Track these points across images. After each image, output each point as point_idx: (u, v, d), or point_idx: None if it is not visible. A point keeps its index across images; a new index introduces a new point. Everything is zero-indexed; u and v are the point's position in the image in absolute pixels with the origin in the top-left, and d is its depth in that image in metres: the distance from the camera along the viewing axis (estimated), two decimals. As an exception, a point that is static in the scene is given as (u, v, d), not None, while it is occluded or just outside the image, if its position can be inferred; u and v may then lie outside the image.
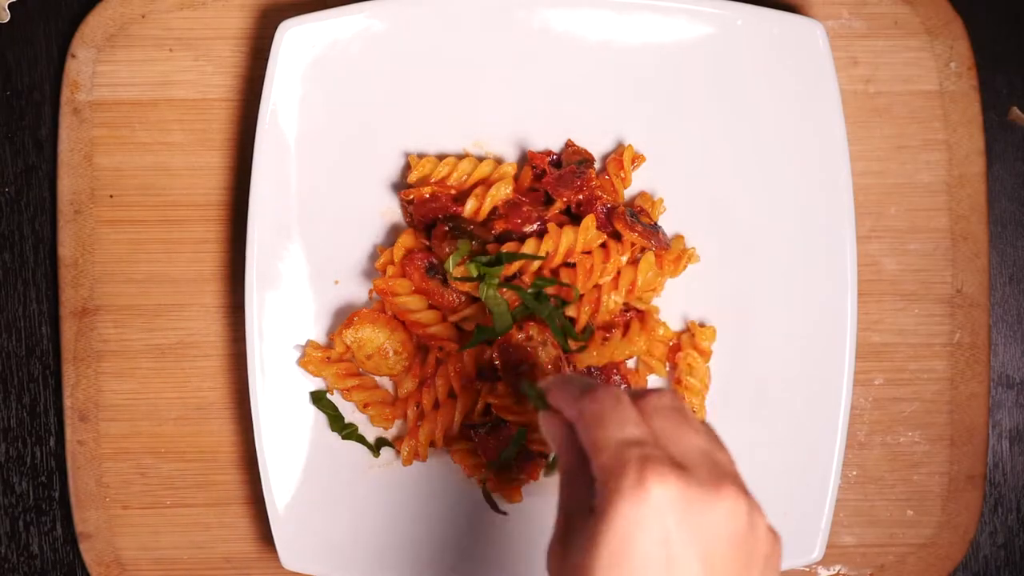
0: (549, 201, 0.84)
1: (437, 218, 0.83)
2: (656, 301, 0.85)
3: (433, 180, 0.84)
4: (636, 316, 0.84)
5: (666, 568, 0.55)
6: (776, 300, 0.85)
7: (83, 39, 0.87)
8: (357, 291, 0.85)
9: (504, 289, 0.81)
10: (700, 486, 0.57)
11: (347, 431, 0.84)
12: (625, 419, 0.59)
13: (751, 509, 0.58)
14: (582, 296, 0.82)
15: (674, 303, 0.85)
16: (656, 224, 0.84)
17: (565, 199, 0.83)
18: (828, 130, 0.84)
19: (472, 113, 0.85)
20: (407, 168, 0.85)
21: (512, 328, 0.81)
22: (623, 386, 0.67)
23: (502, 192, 0.83)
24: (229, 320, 0.87)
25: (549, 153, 0.85)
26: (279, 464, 0.83)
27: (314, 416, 0.84)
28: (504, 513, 0.84)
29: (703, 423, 0.62)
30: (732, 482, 0.58)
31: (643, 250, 0.83)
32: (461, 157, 0.85)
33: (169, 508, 0.88)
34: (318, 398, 0.84)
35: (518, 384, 0.81)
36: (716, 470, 0.58)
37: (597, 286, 0.82)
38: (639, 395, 0.62)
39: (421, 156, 0.85)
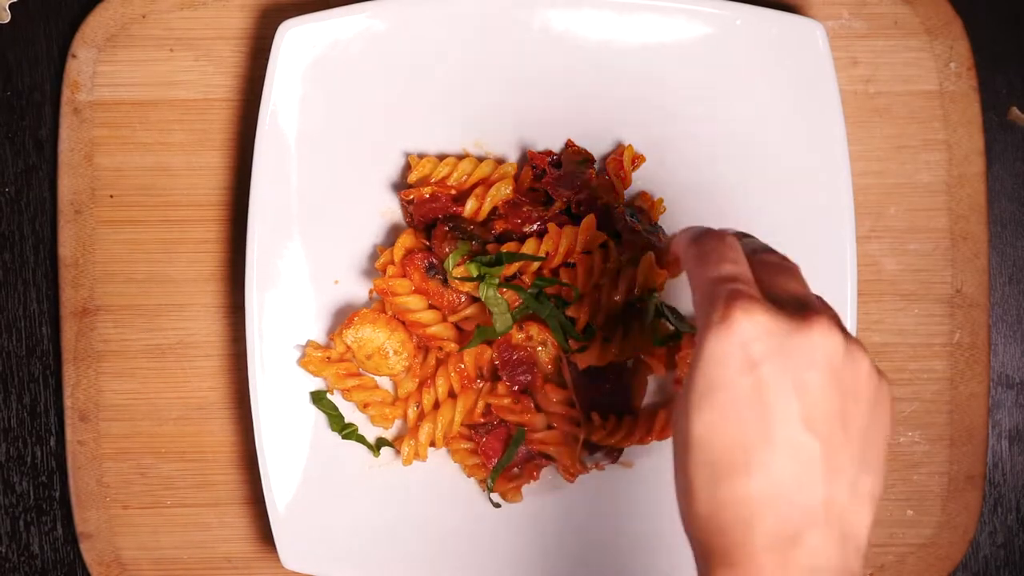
0: (549, 201, 0.84)
1: (437, 218, 0.83)
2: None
3: (433, 180, 0.84)
4: (636, 316, 0.84)
5: (758, 397, 0.55)
6: (776, 300, 0.85)
7: (84, 39, 0.87)
8: (357, 291, 0.85)
9: (504, 289, 0.81)
10: (789, 318, 0.56)
11: (347, 431, 0.84)
12: (723, 257, 0.60)
13: (849, 344, 0.57)
14: (582, 296, 0.82)
15: (674, 303, 0.85)
16: (656, 224, 0.84)
17: (565, 199, 0.83)
18: (828, 130, 0.84)
19: (472, 113, 0.85)
20: (407, 168, 0.85)
21: (512, 328, 0.81)
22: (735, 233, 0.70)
23: (502, 192, 0.83)
24: (229, 320, 0.87)
25: (549, 153, 0.85)
26: (279, 464, 0.83)
27: (314, 416, 0.84)
28: (497, 505, 0.84)
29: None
30: (825, 315, 0.57)
31: (643, 250, 0.83)
32: (461, 157, 0.85)
33: (169, 508, 0.88)
34: (318, 398, 0.84)
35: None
36: (809, 307, 0.58)
37: (597, 286, 0.82)
38: (752, 247, 0.63)
39: (421, 156, 0.85)
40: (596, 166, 0.85)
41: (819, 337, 0.56)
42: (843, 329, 0.58)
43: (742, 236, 0.66)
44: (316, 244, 0.84)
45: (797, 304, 0.58)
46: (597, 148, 0.85)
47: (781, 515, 0.55)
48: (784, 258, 0.63)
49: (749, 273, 0.60)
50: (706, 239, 0.62)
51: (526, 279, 0.82)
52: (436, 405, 0.84)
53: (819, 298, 0.61)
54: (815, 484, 0.55)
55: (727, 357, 0.56)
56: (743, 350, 0.56)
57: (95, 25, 0.87)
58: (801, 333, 0.56)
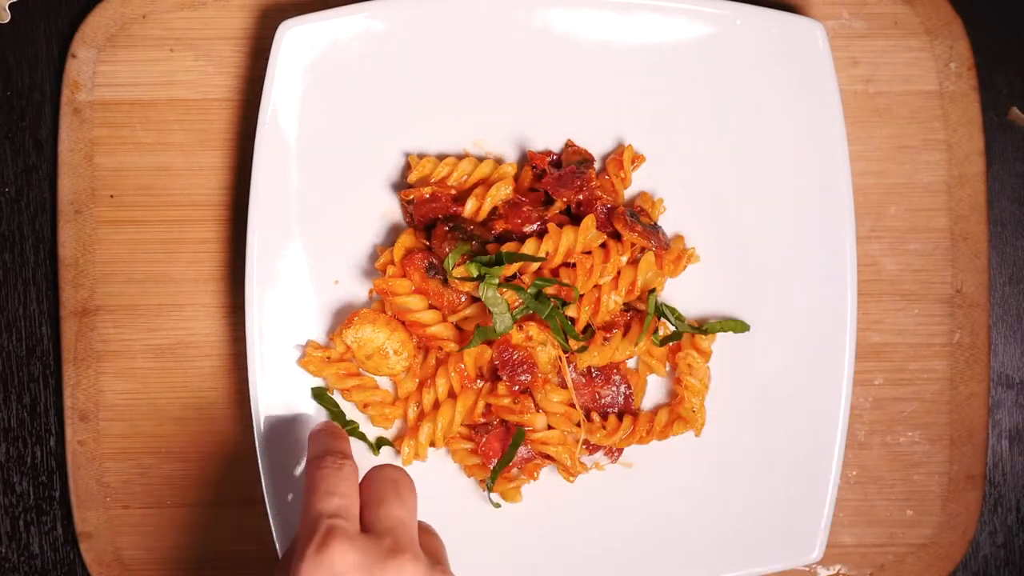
0: (549, 201, 0.84)
1: (437, 218, 0.83)
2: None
3: (433, 180, 0.84)
4: (636, 316, 0.84)
5: None
6: (776, 300, 0.85)
7: (84, 39, 0.87)
8: (357, 291, 0.85)
9: (504, 289, 0.81)
10: (376, 553, 0.66)
11: (348, 428, 0.84)
12: (332, 491, 0.70)
13: (432, 573, 0.68)
14: (582, 296, 0.82)
15: (674, 303, 0.85)
16: (656, 224, 0.84)
17: (565, 199, 0.83)
18: (828, 130, 0.84)
19: (472, 113, 0.85)
20: (407, 168, 0.85)
21: (512, 328, 0.81)
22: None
23: (502, 192, 0.83)
24: (229, 320, 0.87)
25: (549, 153, 0.85)
26: (279, 464, 0.83)
27: (314, 416, 0.84)
28: (497, 505, 0.84)
29: (412, 497, 0.73)
30: (408, 552, 0.67)
31: (643, 250, 0.83)
32: (461, 157, 0.85)
33: (169, 508, 0.88)
34: (319, 394, 0.84)
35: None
36: (403, 539, 0.68)
37: (597, 286, 0.82)
38: (375, 468, 0.73)
39: (421, 156, 0.85)
40: (596, 166, 0.85)
41: (404, 570, 0.67)
42: (425, 561, 0.68)
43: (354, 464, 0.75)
44: (316, 244, 0.84)
45: (395, 534, 0.68)
46: (597, 148, 0.85)
47: None
48: (397, 472, 0.73)
49: (355, 506, 0.70)
50: (324, 467, 0.72)
51: (526, 279, 0.82)
52: (436, 405, 0.84)
53: (415, 514, 0.72)
54: None
55: None
56: None
57: (95, 25, 0.87)
58: (387, 568, 0.66)
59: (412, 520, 0.71)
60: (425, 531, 0.74)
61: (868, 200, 0.88)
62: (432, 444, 0.84)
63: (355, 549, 0.66)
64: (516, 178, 0.85)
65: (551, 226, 0.82)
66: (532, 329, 0.82)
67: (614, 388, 0.84)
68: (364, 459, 0.85)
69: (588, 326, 0.83)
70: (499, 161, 0.85)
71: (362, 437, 0.85)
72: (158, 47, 0.87)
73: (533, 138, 0.85)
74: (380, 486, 0.72)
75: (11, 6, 0.88)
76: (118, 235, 0.87)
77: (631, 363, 0.85)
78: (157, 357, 0.87)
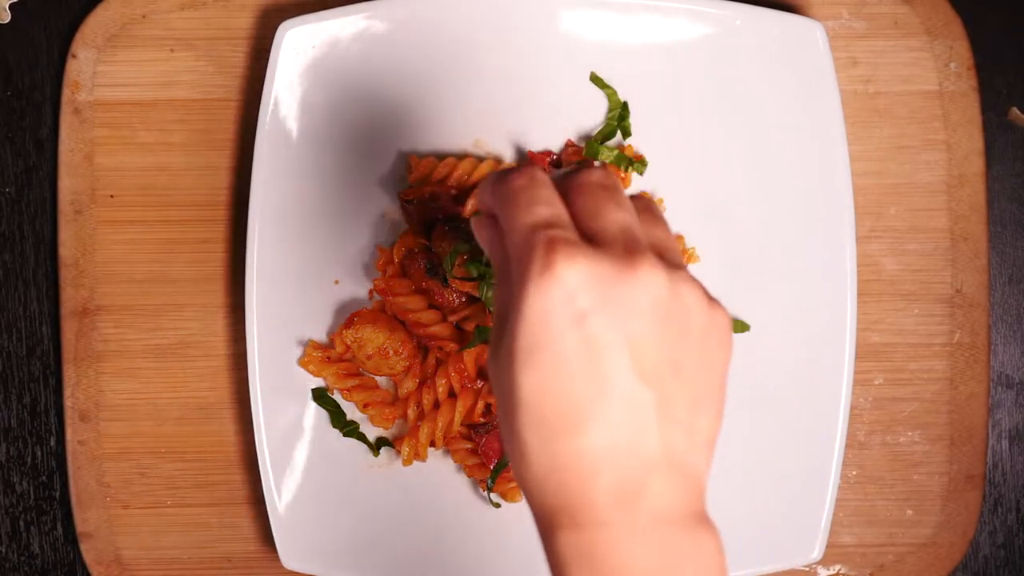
0: (549, 201, 0.84)
1: (437, 218, 0.83)
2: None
3: (433, 180, 0.84)
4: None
5: (587, 352, 0.52)
6: (776, 300, 0.85)
7: (84, 39, 0.87)
8: (357, 291, 0.85)
9: (504, 289, 0.81)
10: (613, 263, 0.53)
11: (348, 428, 0.84)
12: (535, 199, 0.55)
13: (673, 279, 0.54)
14: (582, 296, 0.82)
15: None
16: (656, 224, 0.84)
17: (565, 199, 0.83)
18: (828, 130, 0.84)
19: (472, 113, 0.85)
20: (407, 168, 0.85)
21: (512, 328, 0.81)
22: (559, 170, 0.64)
23: (502, 192, 0.83)
24: (229, 320, 0.87)
25: (549, 153, 0.85)
26: (279, 464, 0.83)
27: (314, 416, 0.84)
28: (497, 505, 0.84)
29: (639, 197, 0.59)
30: (647, 253, 0.54)
31: (643, 250, 0.83)
32: (461, 157, 0.85)
33: (170, 508, 0.88)
34: (320, 395, 0.84)
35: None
36: (632, 244, 0.54)
37: (597, 286, 0.82)
38: (567, 174, 0.58)
39: (421, 156, 0.85)
40: (596, 166, 0.85)
41: (645, 279, 0.53)
42: (668, 262, 0.55)
43: (558, 172, 0.61)
44: (316, 244, 0.84)
45: (623, 241, 0.55)
46: (597, 148, 0.86)
47: (621, 469, 0.53)
48: (605, 175, 0.58)
49: (566, 214, 0.55)
50: (514, 179, 0.56)
51: (526, 279, 0.82)
52: (436, 405, 0.84)
53: (652, 216, 0.58)
54: (651, 434, 0.53)
55: (551, 313, 0.52)
56: (568, 304, 0.52)
57: (95, 25, 0.87)
58: (626, 277, 0.52)
59: (637, 223, 0.56)
60: (651, 223, 0.58)
61: (868, 200, 0.88)
62: (432, 444, 0.84)
63: (587, 259, 0.52)
64: (516, 178, 0.85)
65: (551, 226, 0.82)
66: (532, 329, 0.82)
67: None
68: (364, 459, 0.85)
69: (588, 326, 0.83)
70: (499, 161, 0.85)
71: (362, 437, 0.85)
72: (158, 47, 0.87)
73: (533, 138, 0.85)
74: (589, 194, 0.57)
75: (11, 6, 0.88)
76: (118, 235, 0.87)
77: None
78: (157, 357, 0.87)
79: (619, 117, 0.84)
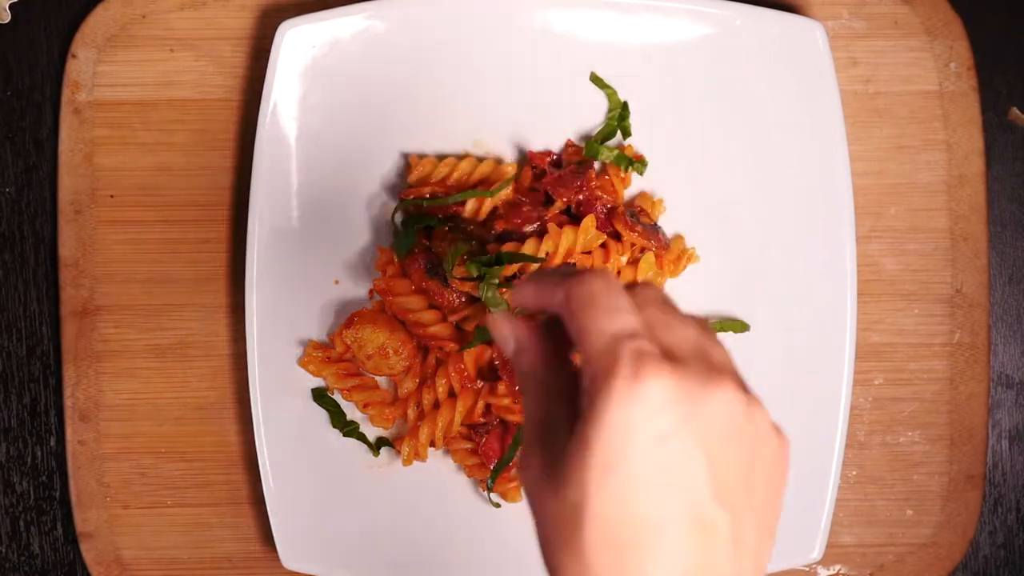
0: (549, 201, 0.84)
1: (437, 218, 0.83)
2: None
3: (433, 180, 0.84)
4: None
5: (667, 471, 0.50)
6: (776, 300, 0.85)
7: (84, 39, 0.87)
8: (357, 291, 0.85)
9: (504, 289, 0.81)
10: (694, 380, 0.52)
11: (348, 428, 0.84)
12: (618, 307, 0.53)
13: (750, 403, 0.53)
14: (582, 296, 0.82)
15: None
16: (656, 224, 0.84)
17: (565, 199, 0.83)
18: (828, 130, 0.84)
19: (472, 113, 0.85)
20: (407, 168, 0.85)
21: (512, 328, 0.81)
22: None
23: (502, 192, 0.83)
24: (229, 320, 0.87)
25: (549, 153, 0.85)
26: (279, 464, 0.83)
27: (314, 416, 0.84)
28: (497, 505, 0.84)
29: (694, 316, 0.58)
30: (727, 374, 0.53)
31: (643, 250, 0.83)
32: (461, 157, 0.85)
33: (170, 508, 0.88)
34: (320, 395, 0.84)
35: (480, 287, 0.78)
36: (709, 363, 0.53)
37: (597, 286, 0.82)
38: (627, 286, 0.56)
39: (421, 156, 0.85)
40: (596, 166, 0.85)
41: (725, 398, 0.52)
42: (744, 385, 0.54)
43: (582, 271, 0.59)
44: (316, 244, 0.84)
45: (699, 358, 0.54)
46: (597, 148, 0.86)
47: None
48: (665, 296, 0.57)
49: (644, 326, 0.54)
50: (593, 281, 0.54)
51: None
52: (436, 405, 0.84)
53: (712, 335, 0.57)
54: (726, 560, 0.52)
55: (635, 428, 0.50)
56: (651, 420, 0.50)
57: (95, 25, 0.87)
58: (708, 397, 0.52)
59: (710, 343, 0.55)
60: (711, 339, 0.57)
61: (868, 200, 0.88)
62: (432, 444, 0.84)
63: (673, 376, 0.51)
64: (516, 178, 0.85)
65: (551, 226, 0.82)
66: (532, 329, 0.82)
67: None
68: (364, 459, 0.85)
69: (588, 326, 0.83)
70: (499, 161, 0.85)
71: (362, 437, 0.85)
72: (158, 47, 0.87)
73: (533, 138, 0.85)
74: (655, 306, 0.55)
75: (11, 6, 0.88)
76: (118, 235, 0.87)
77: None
78: (157, 357, 0.87)
79: (619, 117, 0.84)
